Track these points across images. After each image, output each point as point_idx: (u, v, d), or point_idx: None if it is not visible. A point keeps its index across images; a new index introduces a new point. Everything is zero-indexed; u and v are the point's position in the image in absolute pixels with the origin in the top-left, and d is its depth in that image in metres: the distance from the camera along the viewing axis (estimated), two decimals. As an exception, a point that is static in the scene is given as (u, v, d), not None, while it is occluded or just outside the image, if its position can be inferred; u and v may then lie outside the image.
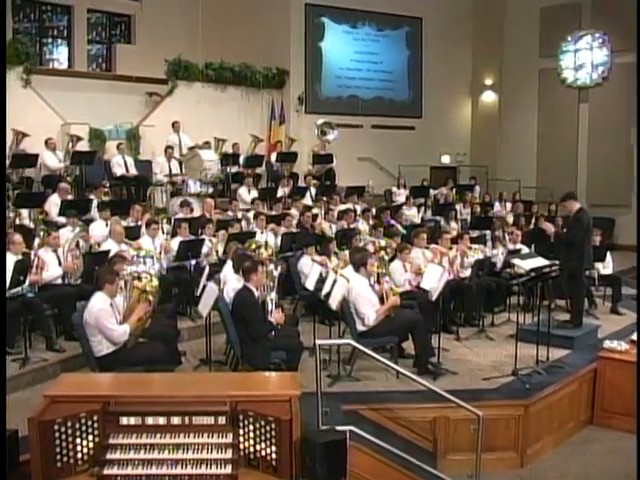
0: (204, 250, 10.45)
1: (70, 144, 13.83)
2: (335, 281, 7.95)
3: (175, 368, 7.61)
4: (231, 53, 17.40)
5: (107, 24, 18.04)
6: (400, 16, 19.33)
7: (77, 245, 10.29)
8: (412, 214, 15.49)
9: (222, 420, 5.21)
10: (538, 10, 19.48)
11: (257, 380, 5.80)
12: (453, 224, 14.60)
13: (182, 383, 5.58)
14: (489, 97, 20.93)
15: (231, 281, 8.01)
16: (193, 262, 10.35)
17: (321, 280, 8.59)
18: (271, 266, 7.90)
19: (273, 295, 7.59)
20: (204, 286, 7.86)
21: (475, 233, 12.72)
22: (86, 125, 14.61)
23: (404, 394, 7.30)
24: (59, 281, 8.87)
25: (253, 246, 9.57)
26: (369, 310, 7.95)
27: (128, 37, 18.36)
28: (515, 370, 7.98)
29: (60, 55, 17.27)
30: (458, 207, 15.76)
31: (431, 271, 8.92)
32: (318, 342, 5.95)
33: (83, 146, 14.23)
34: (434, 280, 8.65)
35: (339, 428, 6.20)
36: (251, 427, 5.10)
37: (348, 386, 7.68)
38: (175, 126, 15.53)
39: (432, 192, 17.28)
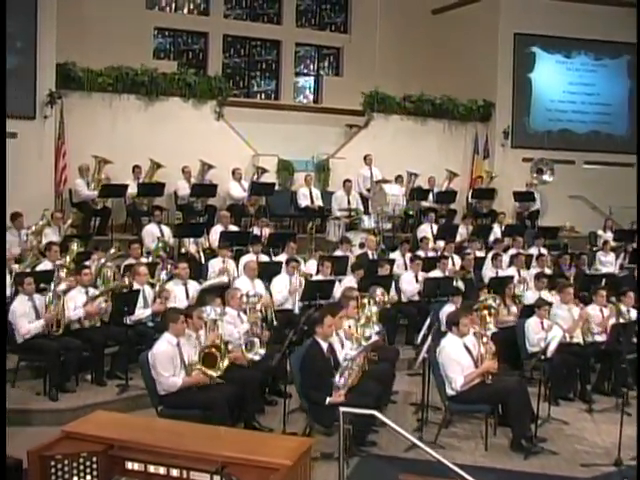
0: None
1: (255, 175, 14.45)
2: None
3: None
4: (432, 85, 17.12)
5: (316, 57, 18.58)
6: (621, 43, 17.70)
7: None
8: (608, 260, 14.24)
9: (217, 480, 5.12)
10: None
11: (258, 441, 5.57)
12: (649, 275, 13.17)
13: (186, 435, 5.52)
14: None
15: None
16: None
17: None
18: (348, 322, 7.57)
19: (347, 351, 7.28)
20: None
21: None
22: (275, 157, 15.11)
23: (478, 470, 6.64)
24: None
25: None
26: (457, 374, 7.36)
27: (336, 69, 18.74)
28: (618, 459, 6.89)
29: (267, 87, 18.06)
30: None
31: (553, 334, 8.19)
32: (342, 409, 5.63)
33: (270, 177, 14.77)
34: (553, 345, 7.91)
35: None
36: (230, 493, 4.95)
37: (425, 454, 7.17)
38: (367, 159, 15.54)
39: (641, 236, 15.71)
